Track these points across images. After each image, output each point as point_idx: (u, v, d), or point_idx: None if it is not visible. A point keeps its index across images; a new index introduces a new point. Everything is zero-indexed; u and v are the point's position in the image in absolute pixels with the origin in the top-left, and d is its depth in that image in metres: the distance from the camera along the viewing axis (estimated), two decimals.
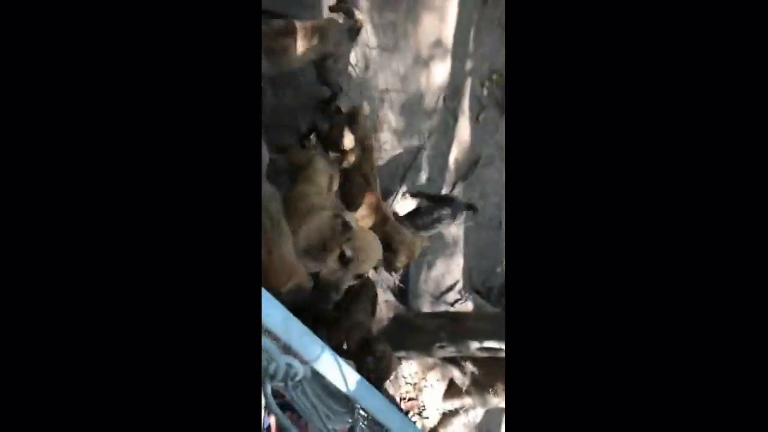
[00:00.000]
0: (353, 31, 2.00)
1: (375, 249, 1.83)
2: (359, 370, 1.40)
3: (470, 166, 3.08)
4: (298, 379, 0.82)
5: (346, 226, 1.63)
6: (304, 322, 0.96)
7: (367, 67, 2.48)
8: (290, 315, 0.91)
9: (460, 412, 2.90)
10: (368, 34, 2.45)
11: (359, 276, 1.80)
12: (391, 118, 2.63)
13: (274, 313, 0.87)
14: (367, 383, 1.13)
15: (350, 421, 1.06)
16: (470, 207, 2.58)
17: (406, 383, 2.28)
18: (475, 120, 3.07)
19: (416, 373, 2.72)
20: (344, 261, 1.60)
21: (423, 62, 2.72)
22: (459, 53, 2.90)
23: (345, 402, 1.07)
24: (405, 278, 2.69)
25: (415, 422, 2.57)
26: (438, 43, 2.79)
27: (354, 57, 2.42)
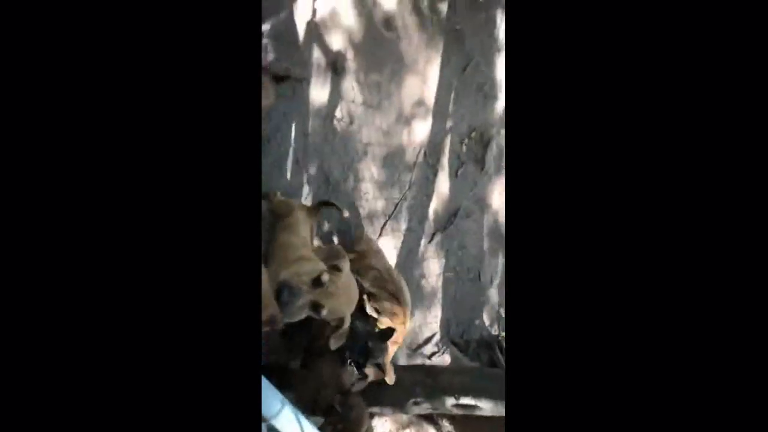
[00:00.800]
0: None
1: (352, 298, 1.82)
2: (327, 424, 1.34)
3: (449, 217, 3.16)
4: None
5: (333, 279, 1.63)
6: (272, 370, 0.93)
7: (351, 122, 2.61)
8: (269, 384, 0.89)
9: None
10: (354, 92, 2.60)
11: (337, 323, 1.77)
12: (373, 170, 2.73)
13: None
14: None
15: None
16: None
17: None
18: (454, 175, 3.19)
19: (390, 431, 2.60)
20: (316, 308, 1.58)
21: (405, 120, 2.88)
22: (440, 113, 3.08)
23: None
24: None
25: None
26: (420, 102, 2.96)
27: (339, 112, 2.55)
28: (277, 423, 0.93)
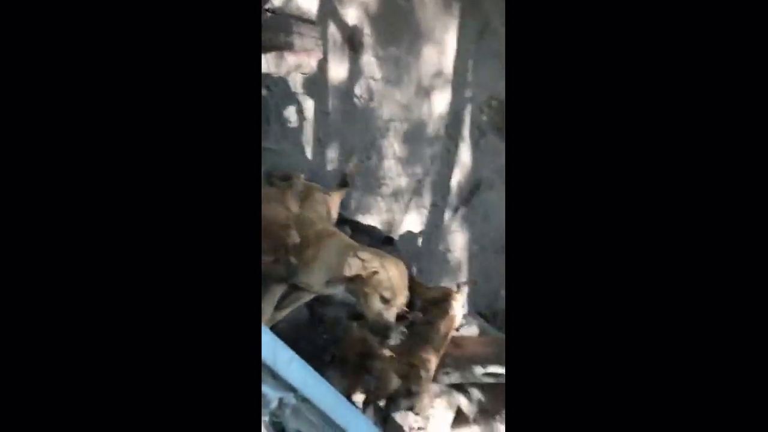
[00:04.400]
0: None
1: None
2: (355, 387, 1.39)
3: (472, 190, 3.13)
4: (289, 410, 0.82)
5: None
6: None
7: (371, 99, 2.57)
8: (278, 341, 0.92)
9: None
10: (373, 67, 2.55)
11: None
12: (395, 147, 2.70)
13: (263, 340, 0.88)
14: (362, 415, 1.12)
15: None
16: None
17: (414, 413, 2.26)
18: (475, 146, 3.14)
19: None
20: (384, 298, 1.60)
21: (425, 92, 2.81)
22: (459, 82, 2.99)
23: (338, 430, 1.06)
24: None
25: None
26: (438, 73, 2.88)
27: (359, 89, 2.50)
28: (308, 392, 0.95)
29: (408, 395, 2.05)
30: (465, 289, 2.87)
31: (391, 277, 1.63)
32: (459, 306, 2.44)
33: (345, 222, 2.42)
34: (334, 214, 2.08)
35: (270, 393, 0.83)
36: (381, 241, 2.54)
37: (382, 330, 1.68)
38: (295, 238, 1.51)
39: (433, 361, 2.20)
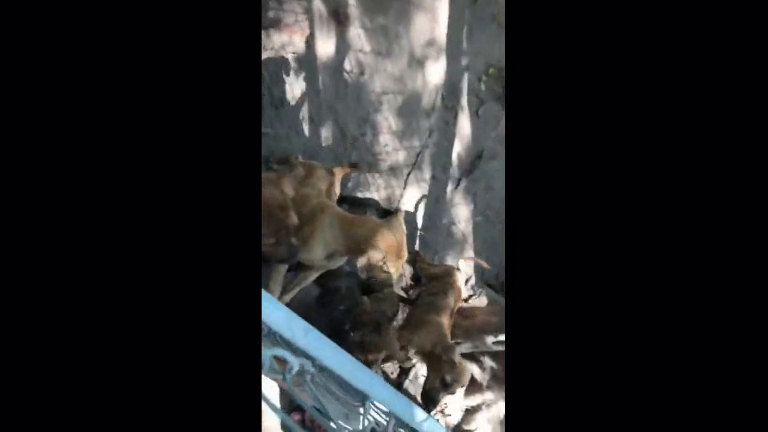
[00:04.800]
0: None
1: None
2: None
3: (473, 161, 3.09)
4: (309, 377, 0.84)
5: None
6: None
7: (362, 73, 2.52)
8: (293, 314, 0.93)
9: (483, 407, 2.89)
10: (361, 40, 2.49)
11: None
12: (390, 120, 2.66)
13: (276, 314, 0.90)
14: (382, 379, 1.14)
15: (371, 420, 1.06)
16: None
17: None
18: (474, 115, 3.07)
19: None
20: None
21: (417, 62, 2.75)
22: (453, 51, 2.91)
23: (358, 396, 1.08)
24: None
25: (438, 420, 2.57)
26: (431, 42, 2.81)
27: (348, 63, 2.46)
28: (326, 362, 0.97)
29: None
30: (471, 264, 2.86)
31: (387, 245, 1.64)
32: (462, 279, 2.47)
33: (344, 199, 2.43)
34: (337, 190, 2.09)
35: (291, 360, 0.84)
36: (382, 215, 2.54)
37: (380, 286, 1.71)
38: (293, 219, 1.52)
39: (446, 329, 2.24)
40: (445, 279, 2.43)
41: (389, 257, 1.63)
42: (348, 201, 2.42)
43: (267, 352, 0.82)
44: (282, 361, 0.84)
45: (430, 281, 2.47)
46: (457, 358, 2.03)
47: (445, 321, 2.26)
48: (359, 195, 2.50)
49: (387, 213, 2.55)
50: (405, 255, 1.79)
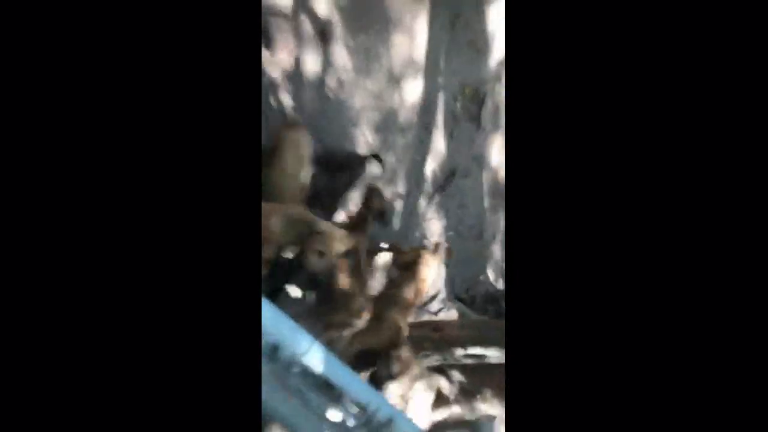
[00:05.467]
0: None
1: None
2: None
3: (447, 178, 3.18)
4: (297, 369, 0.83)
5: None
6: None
7: (342, 89, 2.58)
8: (279, 312, 0.93)
9: (449, 421, 2.92)
10: (344, 58, 2.55)
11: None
12: (367, 135, 2.72)
13: (264, 312, 0.89)
14: (358, 377, 1.13)
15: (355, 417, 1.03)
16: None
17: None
18: (449, 134, 3.17)
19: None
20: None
21: (396, 81, 2.83)
22: (431, 70, 3.01)
23: (335, 395, 1.07)
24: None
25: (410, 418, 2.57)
26: (409, 61, 2.90)
27: (330, 80, 2.51)
28: (308, 360, 0.96)
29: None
30: (440, 252, 2.82)
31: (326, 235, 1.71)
32: (430, 270, 2.41)
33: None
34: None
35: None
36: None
37: (319, 279, 1.76)
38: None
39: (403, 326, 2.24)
40: (412, 267, 2.38)
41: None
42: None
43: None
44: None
45: (399, 271, 2.42)
46: (405, 354, 2.03)
47: (402, 317, 2.23)
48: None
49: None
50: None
